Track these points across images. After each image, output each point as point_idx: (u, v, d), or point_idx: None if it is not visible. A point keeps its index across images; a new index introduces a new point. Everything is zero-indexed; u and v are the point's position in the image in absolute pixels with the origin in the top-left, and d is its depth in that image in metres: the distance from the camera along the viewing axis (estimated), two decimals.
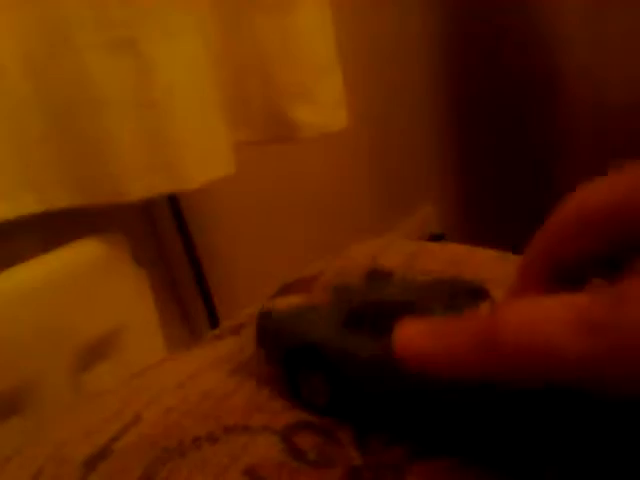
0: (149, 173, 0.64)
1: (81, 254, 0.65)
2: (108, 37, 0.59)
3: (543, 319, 0.22)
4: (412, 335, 0.25)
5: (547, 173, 1.45)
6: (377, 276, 0.40)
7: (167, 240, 0.83)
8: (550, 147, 1.44)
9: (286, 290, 0.39)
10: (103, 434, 0.35)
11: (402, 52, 1.30)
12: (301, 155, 1.02)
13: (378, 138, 1.26)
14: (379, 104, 1.24)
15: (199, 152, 0.66)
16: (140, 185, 0.65)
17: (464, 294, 0.31)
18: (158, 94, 0.62)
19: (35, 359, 0.60)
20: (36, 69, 0.59)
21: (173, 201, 0.79)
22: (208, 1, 0.68)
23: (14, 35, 0.57)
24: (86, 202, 0.63)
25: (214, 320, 0.84)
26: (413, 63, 1.35)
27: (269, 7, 0.70)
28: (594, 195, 0.26)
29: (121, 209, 0.67)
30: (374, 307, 0.30)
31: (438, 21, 1.39)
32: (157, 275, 0.80)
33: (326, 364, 0.31)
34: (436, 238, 1.28)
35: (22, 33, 0.57)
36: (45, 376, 0.60)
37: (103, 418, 0.37)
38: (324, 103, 0.75)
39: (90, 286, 0.64)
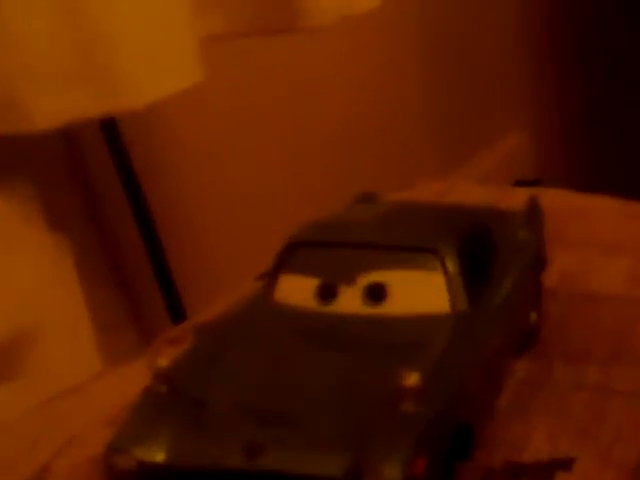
0: (72, 88, 0.54)
1: None
2: None
3: None
4: None
5: None
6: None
7: (103, 191, 0.72)
8: None
9: None
10: None
11: None
12: (317, 55, 0.80)
13: (438, 29, 1.01)
14: None
15: (148, 53, 0.55)
16: (59, 106, 0.54)
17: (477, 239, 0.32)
18: None
19: None
20: None
21: (110, 131, 0.67)
22: None
23: None
24: None
25: (176, 310, 0.73)
26: None
27: None
28: None
29: (33, 145, 0.59)
30: None
31: None
32: (87, 246, 0.69)
33: None
34: (526, 185, 1.10)
35: None
36: None
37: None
38: None
39: None
